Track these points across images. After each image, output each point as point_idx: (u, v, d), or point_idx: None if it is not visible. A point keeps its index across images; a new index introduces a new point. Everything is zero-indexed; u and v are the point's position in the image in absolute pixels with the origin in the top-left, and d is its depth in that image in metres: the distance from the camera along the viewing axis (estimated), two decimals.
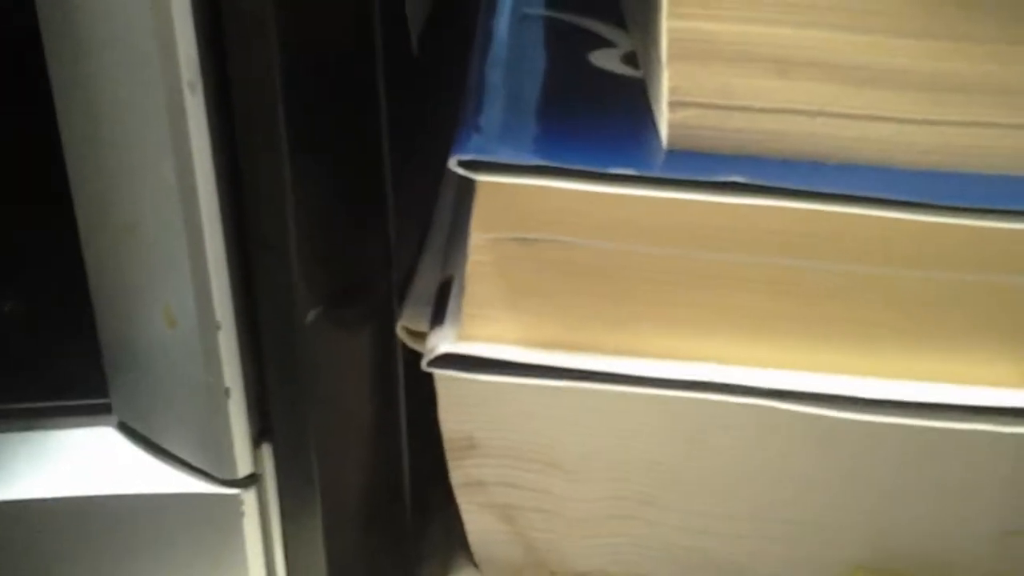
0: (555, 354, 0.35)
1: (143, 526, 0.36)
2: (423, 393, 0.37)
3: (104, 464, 0.36)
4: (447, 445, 0.38)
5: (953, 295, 0.34)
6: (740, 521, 0.38)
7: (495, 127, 0.34)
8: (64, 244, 0.34)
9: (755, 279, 0.34)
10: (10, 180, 0.44)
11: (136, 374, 0.35)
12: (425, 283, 0.38)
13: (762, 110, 0.33)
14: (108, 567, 0.36)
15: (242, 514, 0.35)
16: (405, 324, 0.37)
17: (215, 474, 0.35)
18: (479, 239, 0.34)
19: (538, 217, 0.34)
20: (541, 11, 0.42)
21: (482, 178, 0.33)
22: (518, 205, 0.34)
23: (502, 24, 0.41)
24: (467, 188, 0.35)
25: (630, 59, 0.38)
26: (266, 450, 0.35)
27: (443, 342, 0.35)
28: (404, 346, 0.38)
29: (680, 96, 0.33)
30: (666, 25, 0.32)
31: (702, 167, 0.32)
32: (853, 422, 0.34)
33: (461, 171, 0.33)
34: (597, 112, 0.35)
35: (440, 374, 0.36)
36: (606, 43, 0.40)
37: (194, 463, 0.35)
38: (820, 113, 0.32)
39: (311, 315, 0.34)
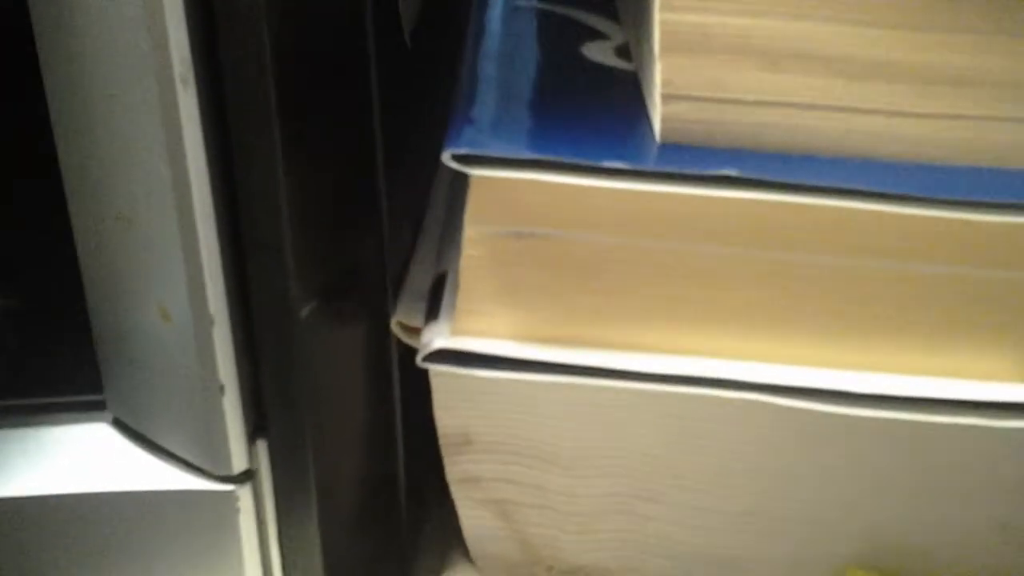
0: (549, 349, 0.35)
1: (138, 522, 0.36)
2: (418, 388, 0.37)
3: (99, 461, 0.36)
4: (442, 441, 0.38)
5: (944, 289, 0.34)
6: (735, 516, 0.38)
7: (488, 121, 0.34)
8: (58, 240, 0.34)
9: (748, 273, 0.34)
10: (2, 176, 0.44)
11: (131, 371, 0.35)
12: (419, 278, 0.38)
13: (755, 103, 0.33)
14: (103, 564, 0.36)
15: (237, 510, 0.35)
16: (399, 319, 0.37)
17: (210, 470, 0.35)
18: (473, 233, 0.34)
19: (532, 211, 0.34)
20: (534, 3, 0.42)
21: (475, 172, 0.33)
22: (512, 199, 0.34)
23: (495, 17, 0.41)
24: (461, 182, 0.35)
25: (623, 52, 0.38)
26: (261, 446, 0.35)
27: (437, 337, 0.35)
28: (399, 341, 0.38)
29: (673, 89, 0.33)
30: (659, 18, 0.32)
31: (695, 160, 0.32)
32: (847, 417, 0.34)
33: (454, 165, 0.33)
34: (590, 105, 0.35)
35: (435, 369, 0.36)
36: (599, 36, 0.40)
37: (189, 459, 0.35)
38: (812, 106, 0.33)
39: (305, 310, 0.33)
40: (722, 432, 0.37)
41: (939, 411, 0.34)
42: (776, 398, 0.34)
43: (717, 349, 0.35)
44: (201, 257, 0.32)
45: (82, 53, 0.30)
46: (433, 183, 0.43)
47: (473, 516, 0.40)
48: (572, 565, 0.41)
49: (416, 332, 0.37)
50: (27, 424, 0.36)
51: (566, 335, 0.35)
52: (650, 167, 0.32)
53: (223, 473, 0.35)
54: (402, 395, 0.39)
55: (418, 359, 0.36)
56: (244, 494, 0.35)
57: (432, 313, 0.36)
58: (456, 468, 0.39)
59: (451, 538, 0.42)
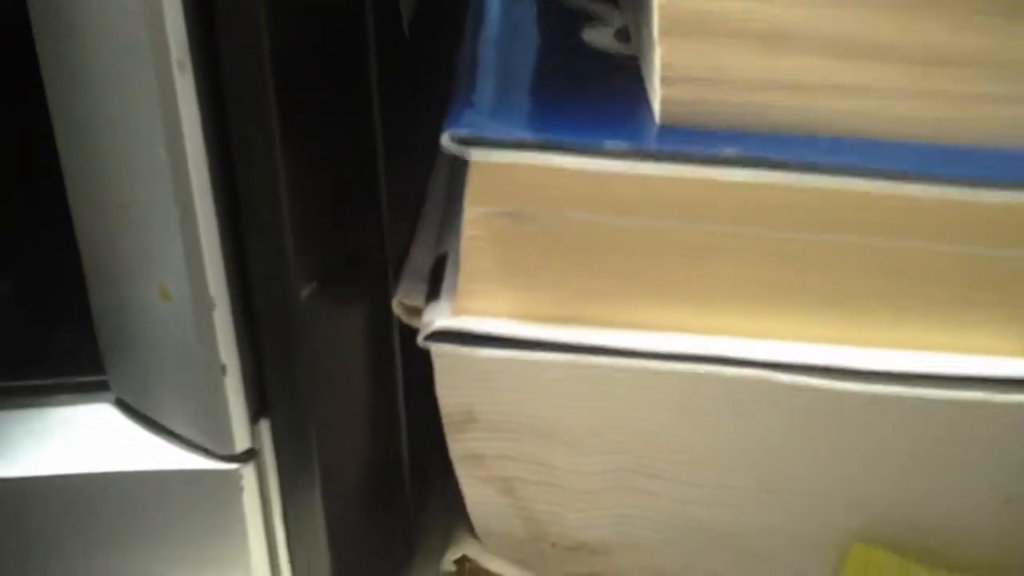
0: (550, 328, 0.35)
1: (142, 502, 0.36)
2: (420, 367, 0.37)
3: (102, 441, 0.36)
4: (445, 420, 0.38)
5: (946, 266, 0.34)
6: (738, 492, 0.38)
7: (487, 103, 0.34)
8: (59, 223, 0.34)
9: (749, 252, 0.34)
10: (2, 161, 0.44)
11: (133, 351, 0.35)
12: (420, 258, 0.38)
13: (754, 85, 0.33)
14: (107, 543, 0.36)
15: (241, 489, 0.36)
16: (401, 299, 0.37)
17: (213, 450, 0.35)
18: (473, 214, 0.34)
19: (532, 192, 0.34)
20: None
21: (475, 153, 0.33)
22: (512, 180, 0.33)
23: (495, 1, 0.41)
24: (461, 165, 0.35)
25: (622, 35, 0.38)
26: (264, 425, 0.35)
27: (439, 317, 0.35)
28: (400, 321, 0.38)
29: (673, 72, 0.33)
30: (658, 1, 0.32)
31: (695, 141, 0.32)
32: (850, 393, 0.34)
33: (454, 147, 0.33)
34: (590, 88, 0.35)
35: (436, 349, 0.36)
36: (598, 19, 0.40)
37: (192, 439, 0.35)
38: (812, 87, 0.32)
39: (306, 291, 0.34)
40: (725, 409, 0.37)
41: (943, 386, 0.34)
42: (779, 375, 0.34)
43: (718, 327, 0.35)
44: (200, 239, 0.32)
45: (80, 38, 0.30)
46: (434, 164, 0.43)
47: (477, 494, 0.40)
48: (576, 541, 0.41)
49: (417, 312, 0.37)
50: (31, 405, 0.37)
51: (566, 314, 0.35)
52: (650, 147, 0.32)
53: (226, 452, 0.35)
54: (404, 374, 0.39)
55: (419, 339, 0.36)
56: (248, 473, 0.36)
57: (433, 293, 0.36)
58: (459, 446, 0.39)
59: (455, 516, 0.42)
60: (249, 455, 0.35)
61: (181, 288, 0.32)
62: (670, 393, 0.37)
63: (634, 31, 0.37)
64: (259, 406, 0.35)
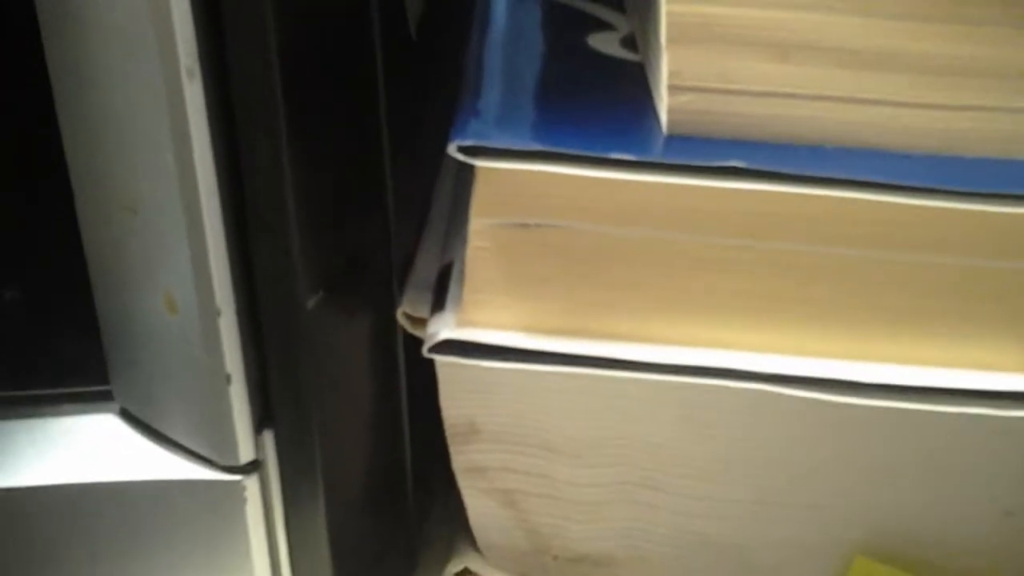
0: (555, 339, 0.35)
1: (145, 512, 0.36)
2: (425, 378, 0.37)
3: (106, 451, 0.36)
4: (448, 431, 0.38)
5: (951, 280, 0.34)
6: (741, 504, 0.38)
7: (494, 112, 0.34)
8: (64, 231, 0.34)
9: (755, 264, 0.34)
10: (9, 167, 0.44)
11: (137, 361, 0.35)
12: (425, 269, 0.38)
13: (761, 94, 0.33)
14: (110, 554, 0.36)
15: (244, 500, 0.35)
16: (405, 310, 0.37)
17: (217, 460, 0.35)
18: (479, 224, 0.34)
19: (538, 202, 0.34)
20: None
21: (481, 163, 0.33)
22: (518, 190, 0.33)
23: (501, 7, 0.41)
24: (466, 174, 0.35)
25: (629, 42, 0.38)
26: (268, 436, 0.35)
27: (443, 328, 0.35)
28: (405, 332, 0.38)
29: (680, 80, 0.33)
30: (665, 8, 0.32)
31: (701, 152, 0.32)
32: (851, 406, 0.34)
33: (460, 157, 0.33)
34: (596, 97, 0.35)
35: (441, 360, 0.36)
36: (605, 26, 0.40)
37: (196, 449, 0.35)
38: (819, 97, 0.32)
39: (312, 301, 0.34)
40: (728, 422, 0.37)
41: (944, 400, 0.34)
42: (783, 388, 0.34)
43: (724, 339, 0.35)
44: (207, 247, 0.32)
45: (88, 44, 0.30)
46: (439, 173, 0.43)
47: (480, 506, 0.40)
48: (578, 554, 0.41)
49: (422, 323, 0.37)
50: (35, 415, 0.37)
51: (572, 326, 0.35)
52: (657, 159, 0.32)
53: (230, 463, 0.35)
54: (408, 385, 0.39)
55: (424, 350, 0.36)
56: (251, 484, 0.35)
57: (438, 304, 0.36)
58: (462, 458, 0.39)
59: (458, 528, 0.42)
60: (253, 466, 0.35)
61: (187, 295, 0.32)
62: (673, 406, 0.36)
63: (641, 38, 0.37)
64: (263, 416, 0.35)
